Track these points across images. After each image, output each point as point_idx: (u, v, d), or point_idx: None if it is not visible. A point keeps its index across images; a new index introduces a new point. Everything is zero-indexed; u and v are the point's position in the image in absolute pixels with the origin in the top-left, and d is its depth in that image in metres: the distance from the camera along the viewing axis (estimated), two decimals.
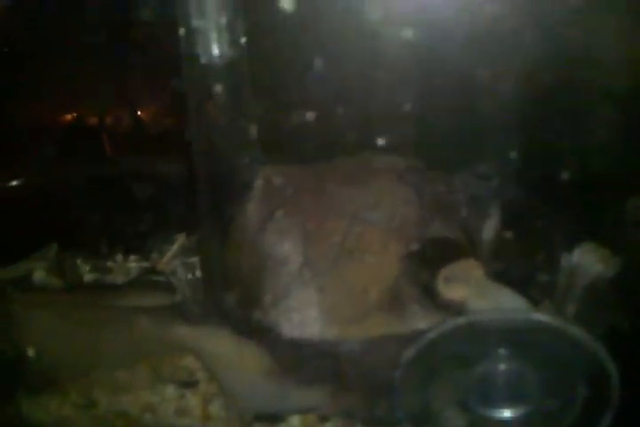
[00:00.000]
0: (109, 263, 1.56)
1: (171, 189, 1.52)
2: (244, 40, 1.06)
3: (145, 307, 1.14)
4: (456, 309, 1.00)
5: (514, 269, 1.17)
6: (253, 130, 1.12)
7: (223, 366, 1.08)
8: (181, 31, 1.04)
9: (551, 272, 1.15)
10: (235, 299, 1.08)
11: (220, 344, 1.06)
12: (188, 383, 1.16)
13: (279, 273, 1.03)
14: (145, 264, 1.57)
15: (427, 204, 1.07)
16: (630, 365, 0.93)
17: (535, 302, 1.10)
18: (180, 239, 1.58)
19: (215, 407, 1.14)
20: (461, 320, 0.92)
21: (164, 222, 1.59)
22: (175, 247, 1.58)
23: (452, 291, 1.00)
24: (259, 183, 1.09)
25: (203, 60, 1.05)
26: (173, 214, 1.55)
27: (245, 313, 1.05)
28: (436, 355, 0.93)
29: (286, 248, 1.04)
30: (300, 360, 1.03)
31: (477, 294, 1.00)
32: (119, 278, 1.52)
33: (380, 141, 1.15)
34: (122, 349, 1.12)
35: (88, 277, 1.52)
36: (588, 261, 1.14)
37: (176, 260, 1.55)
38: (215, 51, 1.04)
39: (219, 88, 1.07)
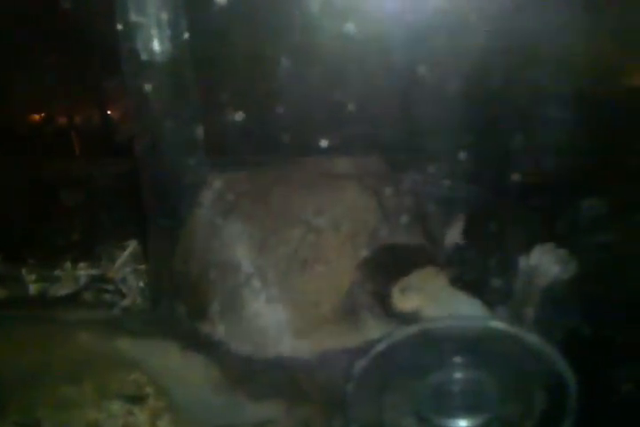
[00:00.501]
0: (57, 272, 1.50)
1: (119, 194, 1.47)
2: (186, 36, 1.01)
3: (87, 320, 1.08)
4: (410, 318, 0.97)
5: (473, 272, 1.15)
6: (199, 131, 1.07)
7: (171, 380, 1.02)
8: (120, 27, 0.98)
9: (509, 274, 1.12)
10: (183, 310, 1.03)
11: (167, 358, 1.01)
12: (137, 398, 1.11)
13: (228, 284, 0.98)
14: (94, 272, 1.51)
15: (386, 209, 1.03)
16: (588, 370, 0.90)
17: (493, 306, 1.08)
18: (131, 246, 1.52)
19: (164, 423, 1.09)
20: (413, 329, 0.88)
21: (114, 228, 1.53)
22: (126, 254, 1.52)
23: (406, 301, 0.97)
24: (206, 190, 1.04)
25: (143, 56, 0.99)
26: (123, 220, 1.49)
27: (194, 325, 1.00)
28: (389, 365, 0.89)
29: (235, 258, 0.99)
30: (251, 373, 0.99)
31: (431, 302, 0.97)
32: (67, 287, 1.46)
33: (332, 142, 1.11)
34: (65, 364, 1.06)
35: (34, 287, 1.45)
36: (546, 263, 1.11)
37: (126, 267, 1.50)
38: (156, 47, 0.99)
39: (160, 86, 1.02)
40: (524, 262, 1.12)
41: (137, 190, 1.11)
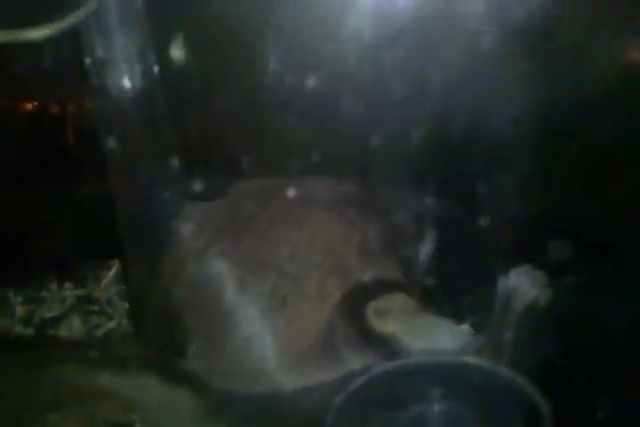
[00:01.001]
0: (43, 293, 1.50)
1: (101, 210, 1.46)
2: (156, 69, 1.01)
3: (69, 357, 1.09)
4: (388, 345, 0.98)
5: (449, 293, 1.15)
6: (173, 163, 1.07)
7: (152, 412, 1.03)
8: (89, 63, 0.98)
9: (487, 296, 1.13)
10: (163, 343, 1.04)
11: (149, 391, 1.02)
12: (124, 425, 1.12)
13: (206, 321, 0.99)
14: (81, 292, 1.51)
15: (365, 239, 1.03)
16: (564, 396, 0.92)
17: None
18: (116, 265, 1.53)
19: None
20: (391, 364, 0.89)
21: (98, 247, 1.53)
22: (110, 274, 1.52)
23: (383, 325, 0.98)
24: (181, 224, 1.04)
25: (113, 92, 0.99)
26: (107, 239, 1.49)
27: (174, 359, 1.00)
28: (367, 398, 0.90)
29: (214, 294, 0.99)
30: (232, 404, 1.00)
31: (408, 330, 0.98)
32: (54, 309, 1.47)
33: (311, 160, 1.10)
34: (50, 394, 1.07)
35: (21, 309, 1.46)
36: (523, 285, 1.12)
37: (112, 288, 1.50)
38: (126, 83, 0.99)
39: (132, 120, 1.01)
40: (501, 285, 1.12)
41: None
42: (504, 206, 1.05)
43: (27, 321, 1.43)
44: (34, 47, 0.77)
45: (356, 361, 0.97)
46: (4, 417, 1.10)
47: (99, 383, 1.06)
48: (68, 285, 1.51)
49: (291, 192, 1.07)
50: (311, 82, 1.04)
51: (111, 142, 1.03)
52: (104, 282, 1.50)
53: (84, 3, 0.79)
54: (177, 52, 1.00)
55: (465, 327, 1.13)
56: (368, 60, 1.04)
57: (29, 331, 1.40)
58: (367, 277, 1.01)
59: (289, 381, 0.96)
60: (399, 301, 1.00)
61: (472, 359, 0.89)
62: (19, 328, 1.42)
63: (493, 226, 1.05)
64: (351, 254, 1.02)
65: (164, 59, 0.99)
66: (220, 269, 1.00)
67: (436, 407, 0.92)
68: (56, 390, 1.08)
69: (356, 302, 1.00)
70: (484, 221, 1.06)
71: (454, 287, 1.10)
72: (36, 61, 1.10)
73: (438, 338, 1.00)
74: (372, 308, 0.99)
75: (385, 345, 0.98)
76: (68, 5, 0.82)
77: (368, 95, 1.08)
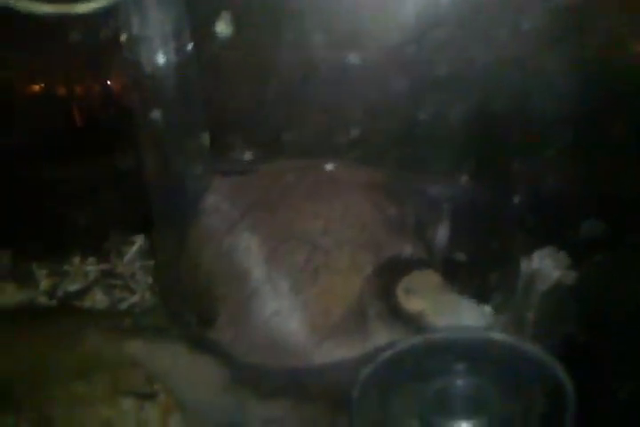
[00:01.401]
0: (66, 267, 1.53)
1: (127, 187, 1.48)
2: (190, 47, 1.02)
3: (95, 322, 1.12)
4: (415, 321, 1.00)
5: (471, 274, 1.17)
6: (204, 138, 1.09)
7: (178, 381, 1.06)
8: (124, 39, 0.99)
9: (510, 277, 1.14)
10: (191, 315, 1.06)
11: (175, 360, 1.04)
12: (147, 395, 1.14)
13: (236, 293, 1.00)
14: (103, 266, 1.54)
15: (389, 220, 1.04)
16: (587, 375, 0.93)
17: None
18: (139, 241, 1.55)
19: (175, 420, 1.13)
20: (416, 339, 0.90)
21: (121, 222, 1.55)
22: (134, 249, 1.54)
23: (411, 302, 1.00)
24: (211, 196, 1.06)
25: (147, 69, 1.00)
26: (131, 214, 1.51)
27: (202, 331, 1.02)
28: (393, 372, 0.93)
29: (244, 267, 1.01)
30: (258, 376, 1.02)
31: (434, 308, 0.99)
32: (78, 282, 1.49)
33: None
34: (75, 363, 1.10)
35: (45, 282, 1.48)
36: (547, 266, 1.13)
37: (135, 262, 1.53)
38: (160, 59, 0.99)
39: (165, 98, 1.02)
40: (524, 266, 1.14)
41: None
42: (534, 186, 1.06)
43: (50, 294, 1.45)
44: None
45: (383, 336, 0.99)
46: (28, 385, 1.13)
47: (124, 353, 1.08)
48: (91, 259, 1.54)
49: (321, 171, 1.08)
50: (349, 61, 1.05)
51: (143, 118, 1.04)
52: (127, 257, 1.53)
53: None
54: (223, 27, 1.01)
55: (488, 307, 1.16)
56: (406, 40, 1.05)
57: (53, 303, 1.43)
58: (396, 253, 1.02)
59: (317, 354, 0.98)
60: (426, 279, 1.02)
61: (497, 335, 0.90)
62: (42, 300, 1.45)
63: (523, 205, 1.06)
64: (381, 231, 1.03)
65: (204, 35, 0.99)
66: (251, 241, 1.01)
67: (460, 382, 0.94)
68: (80, 359, 1.10)
69: (387, 279, 1.01)
70: (512, 202, 1.07)
71: (479, 267, 1.12)
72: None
73: (463, 317, 1.02)
74: (402, 285, 1.01)
75: (412, 322, 1.00)
76: None
77: (404, 76, 1.09)
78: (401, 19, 1.04)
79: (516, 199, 1.06)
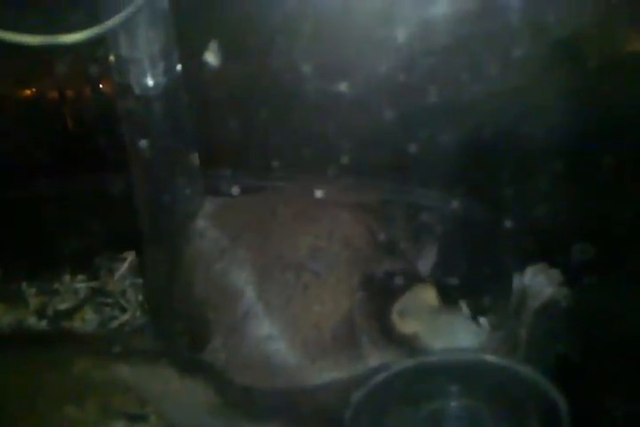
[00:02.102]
0: (56, 285, 1.51)
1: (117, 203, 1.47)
2: (179, 67, 1.01)
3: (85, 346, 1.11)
4: (409, 344, 0.99)
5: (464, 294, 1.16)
6: (194, 160, 1.08)
7: (170, 405, 1.05)
8: (112, 61, 0.98)
9: (502, 295, 1.14)
10: (182, 337, 1.05)
11: (166, 384, 1.03)
12: (139, 417, 1.13)
13: (229, 313, 1.00)
14: (94, 284, 1.52)
15: (378, 241, 1.04)
16: (581, 395, 0.93)
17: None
18: (130, 258, 1.54)
19: None
20: (410, 362, 0.90)
21: (110, 239, 1.54)
22: (125, 266, 1.53)
23: (405, 324, 0.99)
24: (201, 221, 1.05)
25: (136, 90, 0.99)
26: (121, 230, 1.50)
27: (193, 353, 1.01)
28: (386, 394, 0.92)
29: (235, 288, 1.00)
30: (251, 398, 1.01)
31: (428, 329, 0.99)
32: (68, 301, 1.48)
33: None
34: (66, 387, 1.09)
35: (34, 301, 1.47)
36: (539, 283, 1.13)
37: (126, 280, 1.51)
38: (149, 81, 0.99)
39: (155, 118, 1.02)
40: (516, 283, 1.14)
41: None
42: (527, 208, 1.06)
43: (40, 313, 1.44)
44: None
45: (376, 358, 0.98)
46: (19, 409, 1.12)
47: (114, 376, 1.07)
48: (81, 277, 1.53)
49: (305, 191, 1.08)
50: (340, 86, 1.05)
51: (133, 139, 1.03)
52: (118, 274, 1.51)
53: (121, 8, 0.80)
54: (211, 56, 1.01)
55: (483, 326, 1.15)
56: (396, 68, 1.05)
57: (43, 323, 1.42)
58: (388, 273, 1.02)
59: (309, 376, 0.98)
60: (421, 299, 1.01)
61: (491, 357, 0.90)
62: (32, 320, 1.43)
63: (516, 227, 1.06)
64: (369, 251, 1.03)
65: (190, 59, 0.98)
66: (241, 264, 1.01)
67: (454, 404, 0.94)
68: (71, 383, 1.10)
69: (380, 302, 1.01)
70: (505, 222, 1.07)
71: (471, 286, 1.11)
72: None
73: (457, 337, 1.02)
74: (396, 308, 1.00)
75: (405, 344, 0.99)
76: (105, 10, 0.82)
77: (397, 100, 1.09)
78: (391, 47, 1.04)
79: (508, 223, 1.06)
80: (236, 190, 1.12)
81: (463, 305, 1.17)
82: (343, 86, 1.06)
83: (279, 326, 0.99)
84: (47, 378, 1.09)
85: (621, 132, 1.02)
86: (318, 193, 1.08)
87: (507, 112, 1.04)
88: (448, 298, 1.07)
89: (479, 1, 1.04)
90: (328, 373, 0.97)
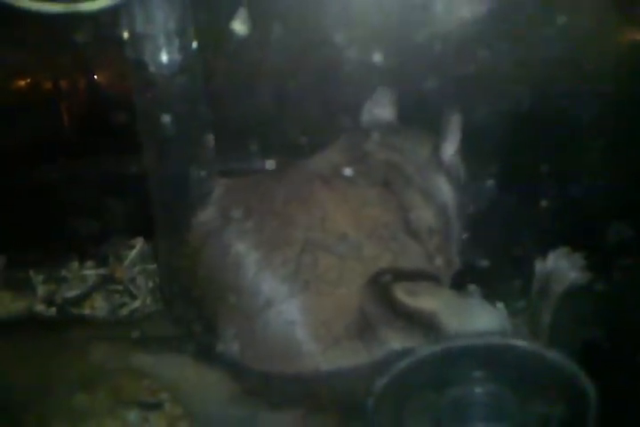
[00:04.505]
0: (64, 272, 1.48)
1: (126, 188, 1.44)
2: (195, 45, 0.98)
3: (102, 336, 1.08)
4: (427, 323, 0.96)
5: (487, 274, 1.14)
6: (210, 140, 1.05)
7: (187, 392, 1.02)
8: (127, 37, 0.95)
9: (525, 279, 1.12)
10: (197, 323, 1.02)
11: (182, 372, 1.01)
12: (152, 405, 1.11)
13: (238, 302, 0.97)
14: (102, 271, 1.50)
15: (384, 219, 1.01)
16: (604, 377, 0.91)
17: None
18: (139, 244, 1.51)
19: None
20: (434, 347, 0.87)
21: (120, 225, 1.51)
22: (133, 253, 1.51)
23: (419, 302, 0.97)
24: (215, 198, 1.02)
25: (151, 68, 0.96)
26: (130, 216, 1.47)
27: (207, 343, 0.99)
28: (410, 381, 0.89)
29: (243, 277, 0.97)
30: (268, 386, 0.98)
31: (448, 309, 0.97)
32: (76, 288, 1.45)
33: None
34: (78, 375, 1.06)
35: (42, 289, 1.44)
36: (562, 267, 1.11)
37: (135, 266, 1.49)
38: (164, 58, 0.96)
39: (169, 97, 0.99)
40: (539, 267, 1.12)
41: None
42: (561, 190, 1.04)
43: (48, 301, 1.41)
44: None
45: (396, 341, 0.96)
46: (31, 397, 1.09)
47: (129, 363, 1.05)
48: (89, 264, 1.50)
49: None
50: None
51: (147, 119, 1.00)
52: (127, 261, 1.49)
53: None
54: (240, 25, 0.98)
55: (501, 308, 1.13)
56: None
57: (51, 311, 1.39)
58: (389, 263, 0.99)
59: (327, 362, 0.95)
60: (429, 283, 0.99)
61: (518, 342, 0.88)
62: (40, 308, 1.40)
63: (551, 208, 1.04)
64: (364, 239, 1.00)
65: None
66: (256, 248, 0.98)
67: (479, 389, 0.91)
68: (84, 371, 1.07)
69: (383, 285, 0.98)
70: (537, 206, 1.04)
71: (495, 270, 1.09)
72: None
73: (476, 318, 0.99)
74: (402, 287, 0.97)
75: (424, 323, 0.97)
76: None
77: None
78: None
79: (543, 203, 1.04)
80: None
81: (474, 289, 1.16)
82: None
83: (296, 311, 0.96)
84: (61, 364, 1.06)
85: None
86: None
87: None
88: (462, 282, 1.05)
89: None
90: (347, 358, 0.95)
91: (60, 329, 1.15)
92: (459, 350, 0.88)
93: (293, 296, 0.95)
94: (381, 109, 1.21)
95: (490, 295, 1.10)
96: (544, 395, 0.90)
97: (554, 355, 0.86)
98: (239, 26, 0.97)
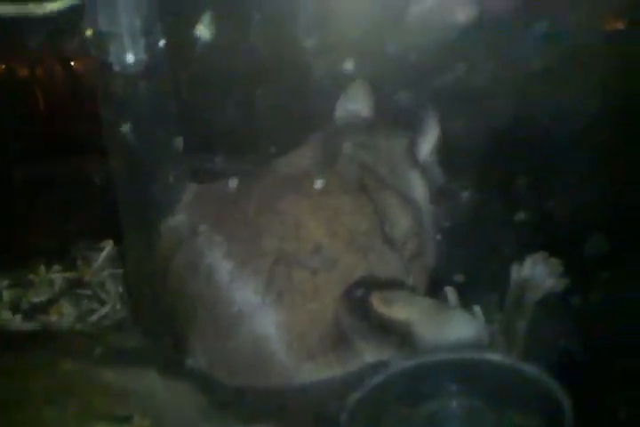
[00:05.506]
0: (31, 276, 1.44)
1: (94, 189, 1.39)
2: (162, 43, 0.94)
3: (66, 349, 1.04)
4: (401, 333, 0.94)
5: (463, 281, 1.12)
6: (179, 144, 1.01)
7: (157, 407, 0.99)
8: (90, 36, 0.91)
9: (501, 286, 1.10)
10: (164, 339, 0.99)
11: (150, 385, 0.97)
12: (122, 418, 1.08)
13: (205, 313, 0.93)
14: (71, 275, 1.45)
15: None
16: (585, 392, 0.90)
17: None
18: (108, 247, 1.47)
19: None
20: (410, 362, 0.85)
21: (88, 227, 1.46)
22: (102, 256, 1.46)
23: (394, 311, 0.94)
24: (183, 205, 0.99)
25: (116, 67, 0.92)
26: (98, 218, 1.42)
27: (176, 355, 0.95)
28: (384, 395, 0.87)
29: (214, 288, 0.93)
30: (239, 400, 0.95)
31: (423, 318, 0.94)
32: (43, 293, 1.40)
33: None
34: (46, 389, 1.02)
35: (8, 294, 1.39)
36: (539, 274, 1.09)
37: (104, 270, 1.45)
38: (130, 57, 0.92)
39: (135, 97, 0.95)
40: (515, 274, 1.10)
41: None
42: (539, 199, 1.02)
43: (14, 307, 1.37)
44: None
45: (371, 354, 0.93)
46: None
47: (97, 377, 1.02)
48: (56, 267, 1.46)
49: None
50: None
51: (112, 121, 0.96)
52: (95, 264, 1.45)
53: None
54: (204, 30, 0.94)
55: (477, 315, 1.11)
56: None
57: (17, 318, 1.34)
58: (364, 273, 0.97)
59: (300, 376, 0.92)
60: (402, 291, 0.97)
61: (493, 356, 0.86)
62: (6, 315, 1.36)
63: (529, 220, 1.02)
64: (339, 249, 0.97)
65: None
66: (226, 258, 0.94)
67: (454, 403, 0.89)
68: (52, 384, 1.04)
69: (358, 296, 0.95)
70: (515, 213, 1.02)
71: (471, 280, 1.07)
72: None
73: (452, 327, 0.97)
74: (377, 297, 0.95)
75: (398, 333, 0.94)
76: None
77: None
78: None
79: (520, 215, 1.02)
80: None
81: (450, 292, 1.14)
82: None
83: (269, 324, 0.93)
84: (28, 380, 1.02)
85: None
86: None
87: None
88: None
89: None
90: (320, 372, 0.92)
91: (28, 344, 1.10)
92: (433, 364, 0.86)
93: (266, 309, 0.92)
94: (356, 105, 1.18)
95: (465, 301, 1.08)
96: (519, 408, 0.89)
97: (528, 368, 0.85)
98: (204, 31, 0.94)
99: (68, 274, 1.44)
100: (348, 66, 0.99)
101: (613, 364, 0.93)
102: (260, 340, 0.91)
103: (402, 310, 0.95)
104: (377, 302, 0.94)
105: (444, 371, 0.86)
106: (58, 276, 1.44)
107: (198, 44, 0.96)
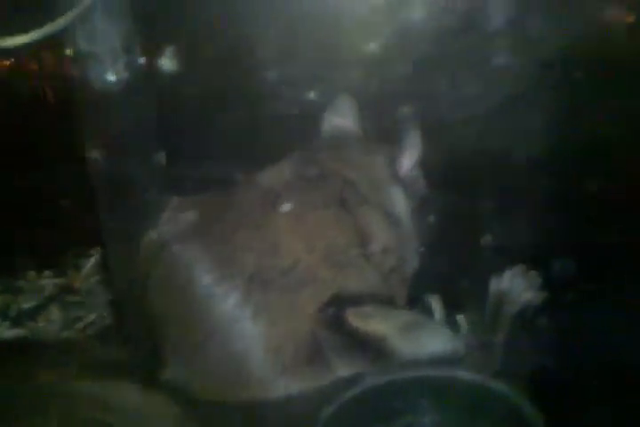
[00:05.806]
0: (21, 282, 1.45)
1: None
2: (142, 61, 0.95)
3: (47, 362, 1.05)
4: (377, 347, 0.95)
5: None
6: (161, 159, 1.03)
7: (133, 416, 1.00)
8: (70, 55, 0.92)
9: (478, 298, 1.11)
10: (145, 348, 1.00)
11: (128, 397, 0.99)
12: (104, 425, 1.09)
13: (186, 329, 0.95)
14: (60, 281, 1.47)
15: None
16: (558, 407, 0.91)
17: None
18: (96, 254, 1.48)
19: None
20: (380, 379, 0.87)
21: (78, 235, 1.48)
22: (91, 263, 1.48)
23: (370, 326, 0.95)
24: (165, 219, 1.00)
25: (96, 86, 0.93)
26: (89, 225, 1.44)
27: (154, 368, 0.97)
28: (357, 411, 0.89)
29: (191, 302, 0.95)
30: (216, 413, 0.97)
31: (399, 332, 0.96)
32: (32, 299, 1.42)
33: None
34: (28, 398, 1.04)
35: None
36: (517, 287, 1.10)
37: (93, 277, 1.46)
38: (111, 76, 0.93)
39: (117, 115, 0.96)
40: (493, 286, 1.10)
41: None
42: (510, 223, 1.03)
43: (3, 313, 1.38)
44: None
45: (345, 369, 0.94)
46: None
47: (77, 388, 1.03)
48: (47, 273, 1.47)
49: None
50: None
51: (93, 136, 0.97)
52: (84, 271, 1.46)
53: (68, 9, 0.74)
54: (167, 61, 0.95)
55: (460, 323, 1.12)
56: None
57: (5, 324, 1.36)
58: (341, 288, 0.98)
59: (274, 390, 0.93)
60: (379, 306, 0.98)
61: (463, 373, 0.87)
62: None
63: (496, 243, 1.03)
64: (317, 265, 0.98)
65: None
66: (192, 271, 0.95)
67: (427, 419, 0.91)
68: (32, 395, 1.05)
69: (335, 311, 0.96)
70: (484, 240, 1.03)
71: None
72: None
73: (428, 341, 0.98)
74: (353, 312, 0.96)
75: (373, 347, 0.95)
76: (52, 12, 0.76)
77: None
78: None
79: (488, 238, 1.03)
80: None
81: (434, 301, 1.15)
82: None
83: (245, 339, 0.94)
84: (7, 389, 1.03)
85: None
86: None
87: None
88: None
89: None
90: (295, 386, 0.93)
91: (9, 355, 1.12)
92: (404, 380, 0.87)
93: (242, 323, 0.93)
94: (341, 118, 1.19)
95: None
96: (490, 425, 0.90)
97: (497, 386, 0.86)
98: (167, 62, 0.95)
99: (57, 280, 1.46)
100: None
101: (587, 381, 0.94)
102: (235, 354, 0.93)
103: (378, 324, 0.96)
104: (352, 317, 0.96)
105: (416, 387, 0.88)
106: (47, 281, 1.46)
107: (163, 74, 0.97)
